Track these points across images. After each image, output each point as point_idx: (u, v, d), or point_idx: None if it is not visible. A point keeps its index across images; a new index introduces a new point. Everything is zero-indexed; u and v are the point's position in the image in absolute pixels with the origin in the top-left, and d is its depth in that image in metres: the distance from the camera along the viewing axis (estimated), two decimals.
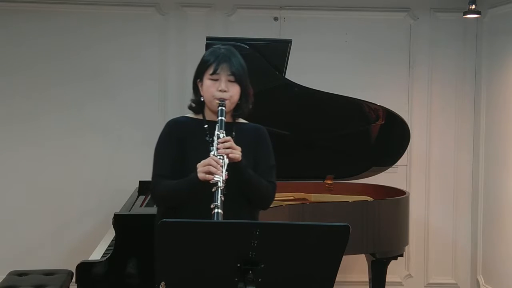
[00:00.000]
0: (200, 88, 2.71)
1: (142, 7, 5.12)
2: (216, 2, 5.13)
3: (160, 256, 2.12)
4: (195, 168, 2.51)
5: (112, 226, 3.42)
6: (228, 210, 2.40)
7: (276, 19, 5.17)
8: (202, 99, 2.70)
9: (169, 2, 5.12)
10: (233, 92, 2.65)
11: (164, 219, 2.06)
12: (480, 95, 5.17)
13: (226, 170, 2.46)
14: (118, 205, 4.05)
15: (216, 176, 2.43)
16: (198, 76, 2.71)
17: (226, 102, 2.62)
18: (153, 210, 3.66)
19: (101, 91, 5.13)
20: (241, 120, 2.78)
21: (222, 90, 2.63)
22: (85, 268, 3.28)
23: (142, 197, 4.24)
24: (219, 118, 2.58)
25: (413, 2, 5.23)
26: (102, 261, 3.31)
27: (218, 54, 2.67)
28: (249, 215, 2.66)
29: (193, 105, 2.76)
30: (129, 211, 3.74)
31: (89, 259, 3.39)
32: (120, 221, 3.36)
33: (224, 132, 2.55)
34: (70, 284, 3.99)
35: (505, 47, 4.85)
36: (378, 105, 4.34)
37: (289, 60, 4.13)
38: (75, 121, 5.12)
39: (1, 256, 4.98)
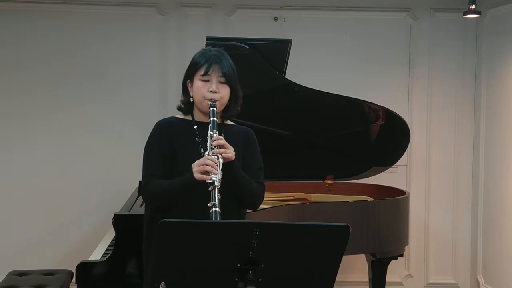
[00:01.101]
0: (189, 89, 2.72)
1: (142, 7, 5.12)
2: (216, 2, 5.13)
3: (160, 256, 2.11)
4: (189, 168, 2.52)
5: (112, 226, 3.42)
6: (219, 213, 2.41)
7: (276, 19, 5.17)
8: (191, 100, 2.71)
9: (169, 2, 5.12)
10: (224, 93, 2.66)
11: (164, 219, 2.06)
12: (480, 95, 5.17)
13: (221, 170, 2.48)
14: (118, 205, 4.06)
15: (213, 175, 2.45)
16: (188, 77, 2.72)
17: (216, 103, 2.63)
18: None
19: (101, 91, 5.13)
20: (229, 122, 2.80)
21: (213, 91, 2.63)
22: (85, 268, 3.28)
23: None
24: (211, 118, 2.59)
25: (413, 2, 5.23)
26: (102, 261, 3.31)
27: (209, 55, 2.68)
28: (237, 216, 2.68)
29: (182, 105, 2.77)
30: (129, 211, 3.74)
31: (89, 259, 3.39)
32: (120, 221, 3.36)
33: (217, 132, 2.57)
34: (70, 284, 3.99)
35: (505, 47, 4.85)
36: (378, 105, 4.34)
37: (289, 60, 4.13)
38: (75, 121, 5.12)
39: (1, 256, 4.99)
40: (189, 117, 2.75)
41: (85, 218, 5.10)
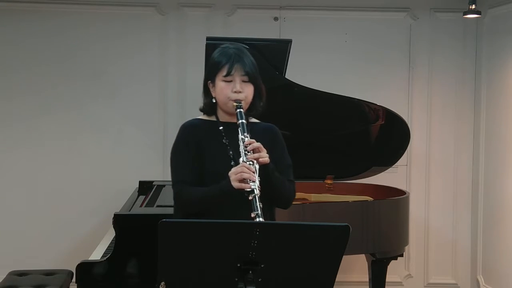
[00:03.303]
0: (211, 90, 2.65)
1: (142, 7, 5.12)
2: (216, 2, 5.13)
3: (160, 256, 2.11)
4: (219, 171, 2.47)
5: (112, 226, 3.42)
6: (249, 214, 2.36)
7: (276, 19, 5.17)
8: (214, 101, 2.64)
9: (169, 2, 5.12)
10: (248, 92, 2.60)
11: (164, 219, 2.06)
12: (480, 95, 5.17)
13: (258, 176, 2.42)
14: (118, 205, 4.05)
15: (252, 183, 2.38)
16: (209, 77, 2.64)
17: (242, 102, 2.57)
18: (153, 210, 3.68)
19: (101, 91, 5.13)
20: (253, 120, 2.74)
21: (237, 91, 2.57)
22: (85, 268, 3.28)
23: (142, 197, 4.23)
24: (240, 121, 2.52)
25: (413, 2, 5.23)
26: (102, 261, 3.31)
27: (229, 54, 2.60)
28: (269, 216, 2.62)
29: (205, 107, 2.70)
30: (129, 211, 3.74)
31: (89, 259, 3.39)
32: (120, 221, 3.36)
33: (248, 135, 2.50)
34: (70, 284, 3.99)
35: (505, 47, 4.85)
36: (378, 105, 4.34)
37: (289, 60, 4.13)
38: (75, 121, 5.12)
39: (1, 256, 4.98)
40: (213, 118, 2.68)
41: (85, 218, 5.10)
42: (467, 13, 4.71)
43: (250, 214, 2.34)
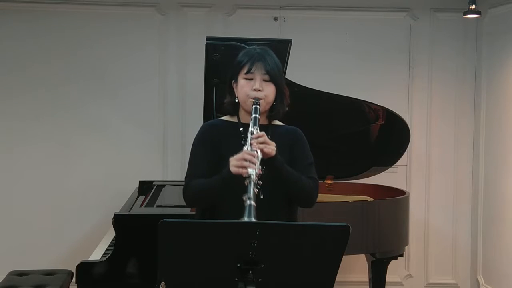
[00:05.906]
0: (235, 90, 2.64)
1: (142, 7, 5.12)
2: (216, 2, 5.13)
3: (160, 256, 2.12)
4: (228, 163, 2.44)
5: (112, 226, 3.42)
6: (265, 213, 2.34)
7: (276, 19, 5.17)
8: (236, 101, 2.63)
9: (169, 2, 5.12)
10: (268, 91, 2.58)
11: (164, 219, 2.06)
12: (480, 95, 5.18)
13: (261, 165, 2.39)
14: (118, 205, 4.05)
15: (250, 169, 2.35)
16: (233, 77, 2.64)
17: (261, 101, 2.55)
18: (153, 210, 3.68)
19: (101, 91, 5.13)
20: (277, 122, 2.73)
21: (257, 89, 2.56)
22: (85, 268, 3.28)
23: (142, 197, 4.23)
24: (253, 115, 2.51)
25: (413, 2, 5.23)
26: (102, 261, 3.31)
27: (252, 53, 2.60)
28: (287, 216, 2.61)
29: (227, 106, 2.69)
30: (129, 211, 3.74)
31: (89, 259, 3.39)
32: (120, 221, 3.36)
33: (258, 128, 2.48)
34: (70, 284, 3.99)
35: (505, 47, 4.85)
36: (378, 105, 4.34)
37: (289, 60, 4.12)
38: (75, 120, 5.12)
39: (1, 256, 4.98)
40: (235, 119, 2.68)
41: (85, 218, 5.10)
42: (467, 13, 4.71)
43: (264, 212, 2.31)
